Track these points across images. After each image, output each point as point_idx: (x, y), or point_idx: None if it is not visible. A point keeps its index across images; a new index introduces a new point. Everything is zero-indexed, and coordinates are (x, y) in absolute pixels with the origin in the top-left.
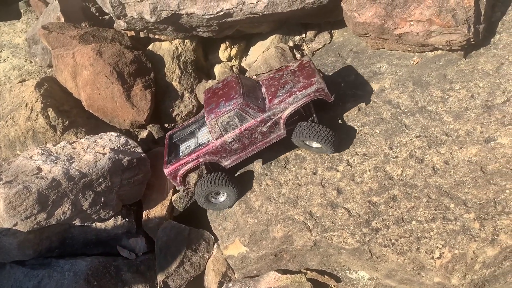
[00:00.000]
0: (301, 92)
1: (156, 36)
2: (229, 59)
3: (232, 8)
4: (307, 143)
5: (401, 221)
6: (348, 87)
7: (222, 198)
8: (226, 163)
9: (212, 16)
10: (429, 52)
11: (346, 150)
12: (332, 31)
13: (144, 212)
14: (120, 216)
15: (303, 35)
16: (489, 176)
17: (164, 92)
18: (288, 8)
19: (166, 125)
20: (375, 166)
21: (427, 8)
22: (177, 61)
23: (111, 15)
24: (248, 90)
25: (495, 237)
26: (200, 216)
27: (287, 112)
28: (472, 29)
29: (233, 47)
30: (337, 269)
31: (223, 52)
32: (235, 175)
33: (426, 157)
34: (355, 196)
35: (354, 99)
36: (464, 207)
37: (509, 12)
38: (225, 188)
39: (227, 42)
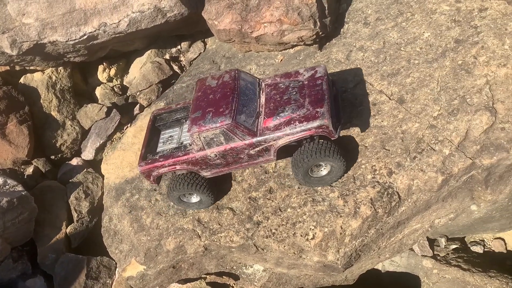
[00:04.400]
0: (301, 124)
1: (32, 68)
2: (110, 79)
3: (95, 31)
4: (312, 173)
5: (278, 210)
6: None
7: (194, 199)
8: (206, 174)
9: (77, 41)
10: (290, 49)
11: None
12: (206, 40)
13: (38, 250)
14: (11, 260)
15: (179, 47)
16: (348, 155)
17: (43, 124)
18: (152, 23)
19: (52, 156)
20: None
21: (276, 9)
22: (53, 90)
23: None
24: (243, 101)
25: (357, 209)
26: (100, 243)
27: (281, 142)
28: (319, 23)
29: (112, 67)
30: (234, 267)
31: (102, 73)
32: None
33: None
34: (238, 194)
35: None
36: (329, 187)
37: (353, 3)
38: (200, 193)
39: (104, 63)
